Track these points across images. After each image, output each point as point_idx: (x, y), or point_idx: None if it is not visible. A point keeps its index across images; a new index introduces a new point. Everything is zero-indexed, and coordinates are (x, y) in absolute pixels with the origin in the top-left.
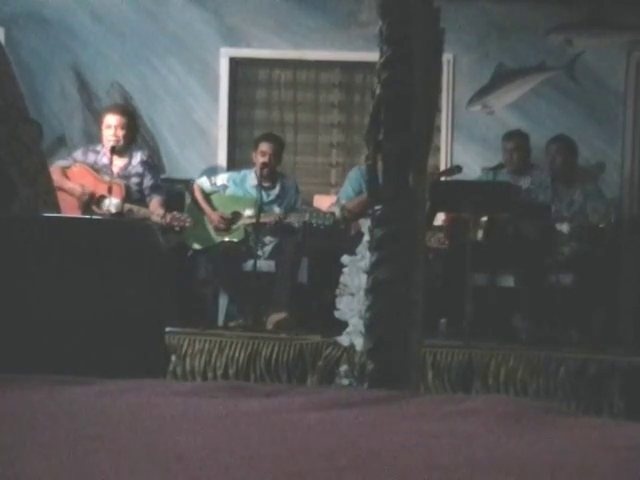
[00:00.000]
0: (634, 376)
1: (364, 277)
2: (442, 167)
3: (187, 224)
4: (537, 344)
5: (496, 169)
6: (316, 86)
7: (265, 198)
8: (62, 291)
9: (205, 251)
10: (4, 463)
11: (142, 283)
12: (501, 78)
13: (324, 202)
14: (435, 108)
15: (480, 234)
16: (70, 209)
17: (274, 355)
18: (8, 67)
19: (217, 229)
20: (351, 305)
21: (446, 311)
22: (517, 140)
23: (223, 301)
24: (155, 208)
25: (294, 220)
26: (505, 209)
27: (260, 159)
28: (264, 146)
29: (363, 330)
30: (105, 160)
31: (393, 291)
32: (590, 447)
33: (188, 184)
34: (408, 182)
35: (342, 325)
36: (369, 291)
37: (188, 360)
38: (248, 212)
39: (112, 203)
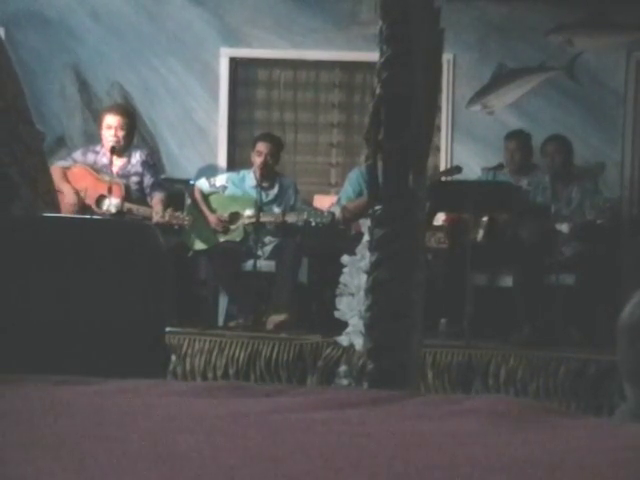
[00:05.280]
0: None
1: (364, 277)
2: (442, 167)
3: (186, 222)
4: (537, 344)
5: (496, 169)
6: (316, 86)
7: (264, 198)
8: (61, 291)
9: (205, 251)
10: (4, 463)
11: (142, 283)
12: (501, 78)
13: (324, 202)
14: (435, 108)
15: (480, 234)
16: (65, 212)
17: (274, 355)
18: (9, 68)
19: (216, 230)
20: (351, 305)
21: (446, 311)
22: (519, 140)
23: (223, 301)
24: (156, 205)
25: (294, 219)
26: (505, 209)
27: (257, 159)
28: (260, 146)
29: (363, 330)
30: (105, 160)
31: (393, 291)
32: (590, 447)
33: (188, 185)
34: (408, 182)
35: (342, 325)
36: (369, 291)
37: (188, 360)
38: (248, 212)
39: (112, 203)
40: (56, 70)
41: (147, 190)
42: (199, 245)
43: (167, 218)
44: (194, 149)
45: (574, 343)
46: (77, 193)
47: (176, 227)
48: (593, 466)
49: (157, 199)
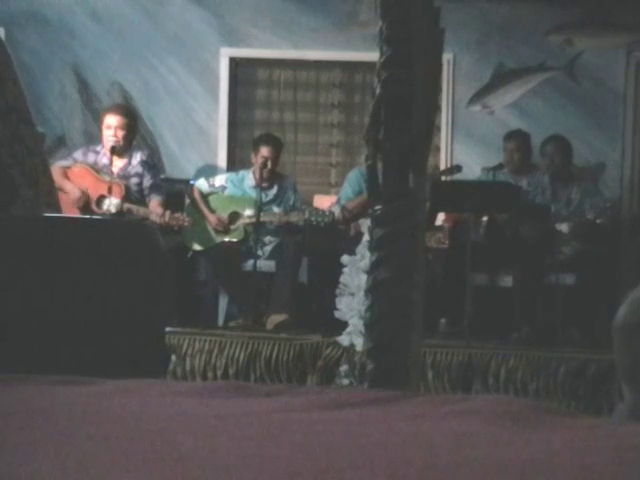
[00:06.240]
0: None
1: (364, 277)
2: (442, 167)
3: (186, 224)
4: (537, 344)
5: (496, 169)
6: (316, 86)
7: (263, 198)
8: (61, 291)
9: (205, 251)
10: (4, 463)
11: (142, 283)
12: (501, 78)
13: (324, 202)
14: (435, 108)
15: (480, 234)
16: (69, 210)
17: (274, 355)
18: (10, 68)
19: (216, 230)
20: (351, 305)
21: (446, 311)
22: (518, 140)
23: (223, 301)
24: (154, 208)
25: (295, 219)
26: (505, 209)
27: (259, 162)
28: (264, 150)
29: (363, 330)
30: (105, 160)
31: (393, 291)
32: (590, 447)
33: (187, 185)
34: (408, 182)
35: (342, 325)
36: (369, 291)
37: (188, 360)
38: (248, 212)
39: (112, 203)
40: (56, 70)
41: (146, 191)
42: (199, 245)
43: (167, 219)
44: (194, 149)
45: (574, 343)
46: (80, 189)
47: (176, 228)
48: (593, 466)
49: (155, 202)
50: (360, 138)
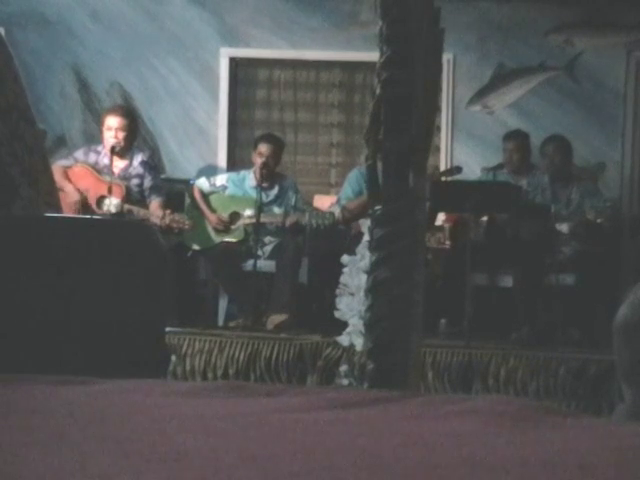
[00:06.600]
0: None
1: (364, 277)
2: (442, 167)
3: (186, 226)
4: (537, 344)
5: (496, 169)
6: (316, 86)
7: (264, 198)
8: (61, 291)
9: (205, 251)
10: (4, 463)
11: (142, 283)
12: (501, 78)
13: (324, 202)
14: (435, 108)
15: (480, 234)
16: (68, 210)
17: (274, 355)
18: (11, 67)
19: (216, 230)
20: (351, 305)
21: (446, 311)
22: (517, 140)
23: (223, 301)
24: (155, 209)
25: (296, 219)
26: (505, 209)
27: (259, 160)
28: (263, 147)
29: (363, 330)
30: (106, 160)
31: (393, 291)
32: (590, 447)
33: (188, 185)
34: (408, 182)
35: (342, 325)
36: (369, 291)
37: (188, 360)
38: (248, 212)
39: (112, 203)
40: (56, 70)
41: (146, 192)
42: (199, 245)
43: (167, 222)
44: (194, 149)
45: (574, 343)
46: (80, 191)
47: (176, 231)
48: (593, 466)
49: (155, 204)
50: (360, 138)
